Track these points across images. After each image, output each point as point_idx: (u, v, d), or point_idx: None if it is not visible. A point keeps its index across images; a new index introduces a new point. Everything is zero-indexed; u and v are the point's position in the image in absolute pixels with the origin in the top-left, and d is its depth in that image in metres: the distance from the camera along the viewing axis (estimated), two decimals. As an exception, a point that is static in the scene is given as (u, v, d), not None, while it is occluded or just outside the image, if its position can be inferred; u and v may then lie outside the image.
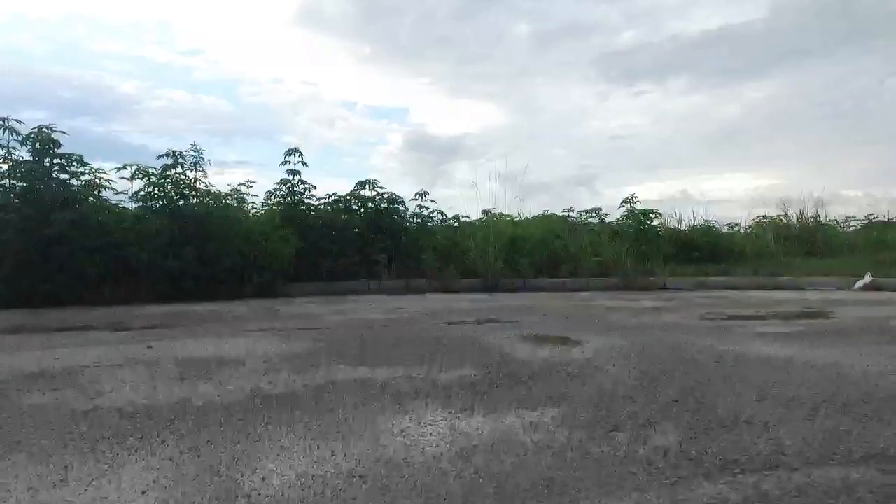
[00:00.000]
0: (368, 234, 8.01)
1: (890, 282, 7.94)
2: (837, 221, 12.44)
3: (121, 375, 2.65)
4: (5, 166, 6.18)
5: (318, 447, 1.74)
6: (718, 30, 24.55)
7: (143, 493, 1.43)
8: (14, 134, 6.17)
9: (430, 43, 25.24)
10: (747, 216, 12.24)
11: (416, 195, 8.67)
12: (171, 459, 1.65)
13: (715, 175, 27.26)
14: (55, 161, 6.33)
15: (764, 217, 12.19)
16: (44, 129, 6.34)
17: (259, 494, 1.42)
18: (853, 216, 12.55)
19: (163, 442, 1.79)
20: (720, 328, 4.26)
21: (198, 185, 6.92)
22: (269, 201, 8.23)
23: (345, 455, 1.67)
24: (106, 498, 1.41)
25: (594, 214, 10.08)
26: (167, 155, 6.77)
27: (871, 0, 22.43)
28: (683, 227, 10.41)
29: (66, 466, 1.60)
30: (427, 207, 8.74)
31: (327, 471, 1.56)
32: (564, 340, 3.64)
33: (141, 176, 6.81)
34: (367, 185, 8.38)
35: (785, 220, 11.47)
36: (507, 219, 10.39)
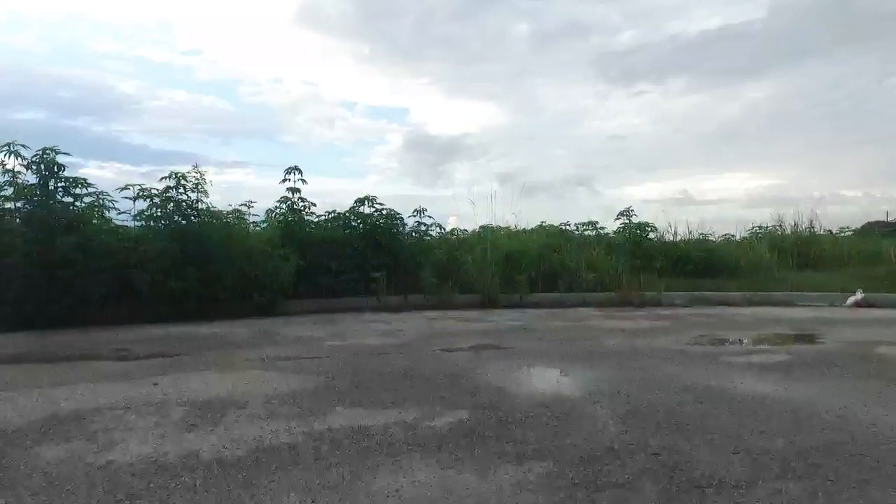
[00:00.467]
0: (367, 251, 8.13)
1: (881, 298, 8.08)
2: (832, 232, 12.57)
3: (130, 422, 2.77)
4: (11, 190, 6.31)
5: (317, 511, 1.86)
6: (718, 30, 24.65)
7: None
8: (19, 158, 6.29)
9: (429, 43, 25.33)
10: (742, 229, 12.28)
11: (414, 212, 8.81)
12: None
13: (714, 175, 27.38)
14: (59, 184, 6.45)
15: (760, 228, 12.34)
16: (48, 151, 6.46)
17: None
18: (847, 227, 12.66)
19: (173, 504, 1.92)
20: (708, 357, 4.38)
21: (199, 206, 7.04)
22: (269, 217, 8.35)
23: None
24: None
25: (590, 227, 10.20)
26: (169, 176, 6.90)
27: (869, 1, 22.52)
28: (678, 239, 10.54)
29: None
30: (425, 224, 8.87)
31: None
32: (556, 374, 3.76)
33: (144, 196, 6.94)
34: (366, 202, 8.51)
35: (780, 232, 11.61)
36: (505, 230, 10.53)
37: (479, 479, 2.11)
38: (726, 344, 5.19)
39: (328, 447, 2.44)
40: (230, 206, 7.98)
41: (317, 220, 8.39)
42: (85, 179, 6.59)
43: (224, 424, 2.73)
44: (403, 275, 8.19)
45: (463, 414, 2.88)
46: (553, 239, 9.59)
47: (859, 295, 7.92)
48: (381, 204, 8.54)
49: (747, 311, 7.49)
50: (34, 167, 6.34)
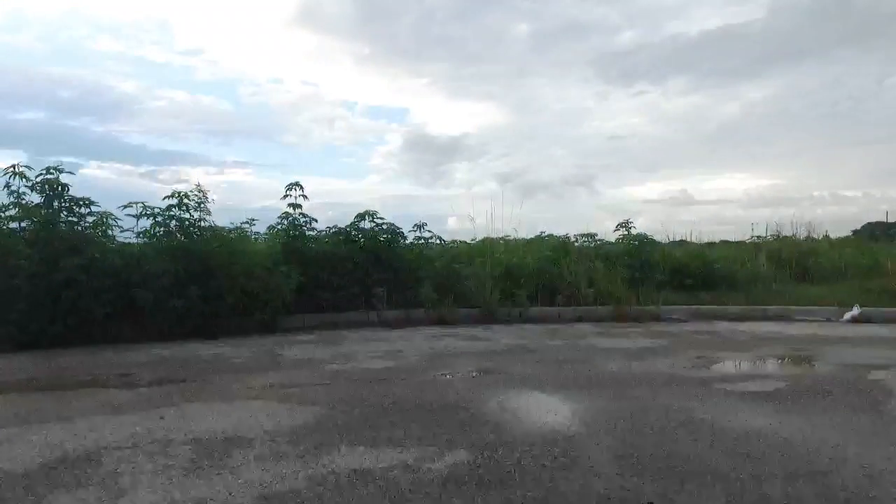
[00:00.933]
0: (368, 266, 8.20)
1: (877, 313, 8.15)
2: (830, 240, 12.63)
3: (139, 464, 2.84)
4: (15, 211, 6.38)
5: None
6: (717, 30, 24.71)
7: None
8: (24, 179, 6.36)
9: (429, 43, 25.38)
10: (742, 232, 12.38)
11: (414, 226, 8.90)
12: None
13: (714, 175, 27.43)
14: (63, 204, 6.52)
15: (758, 237, 12.42)
16: (51, 171, 6.53)
17: None
18: (846, 236, 12.72)
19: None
20: (704, 385, 4.44)
21: (202, 224, 7.12)
22: (271, 233, 8.43)
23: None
24: None
25: (589, 240, 10.27)
26: (171, 196, 6.97)
27: (868, 1, 22.57)
28: (678, 253, 10.60)
29: None
30: (425, 238, 8.95)
31: None
32: (555, 405, 3.83)
33: (147, 215, 7.01)
34: (366, 217, 8.59)
35: (778, 245, 11.68)
36: (504, 241, 10.61)
37: (479, 533, 2.17)
38: (723, 365, 5.28)
39: (331, 493, 2.50)
40: (231, 223, 8.06)
41: (317, 235, 8.46)
42: (89, 199, 6.67)
43: (230, 467, 2.80)
44: (404, 289, 8.28)
45: (462, 455, 2.95)
46: (552, 252, 9.65)
47: (856, 310, 8.00)
48: (381, 218, 8.64)
49: (744, 326, 7.57)
50: (38, 188, 6.41)
